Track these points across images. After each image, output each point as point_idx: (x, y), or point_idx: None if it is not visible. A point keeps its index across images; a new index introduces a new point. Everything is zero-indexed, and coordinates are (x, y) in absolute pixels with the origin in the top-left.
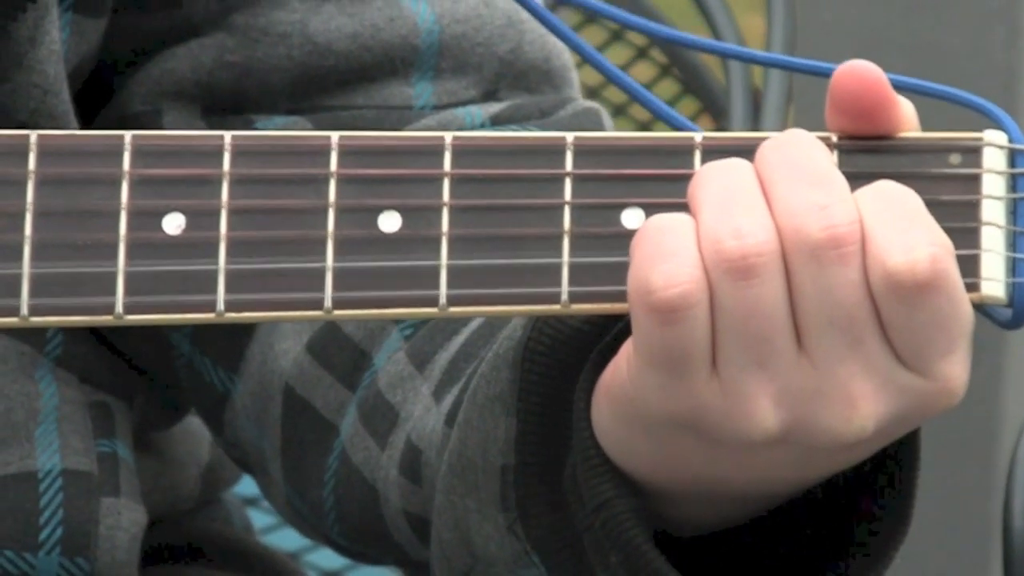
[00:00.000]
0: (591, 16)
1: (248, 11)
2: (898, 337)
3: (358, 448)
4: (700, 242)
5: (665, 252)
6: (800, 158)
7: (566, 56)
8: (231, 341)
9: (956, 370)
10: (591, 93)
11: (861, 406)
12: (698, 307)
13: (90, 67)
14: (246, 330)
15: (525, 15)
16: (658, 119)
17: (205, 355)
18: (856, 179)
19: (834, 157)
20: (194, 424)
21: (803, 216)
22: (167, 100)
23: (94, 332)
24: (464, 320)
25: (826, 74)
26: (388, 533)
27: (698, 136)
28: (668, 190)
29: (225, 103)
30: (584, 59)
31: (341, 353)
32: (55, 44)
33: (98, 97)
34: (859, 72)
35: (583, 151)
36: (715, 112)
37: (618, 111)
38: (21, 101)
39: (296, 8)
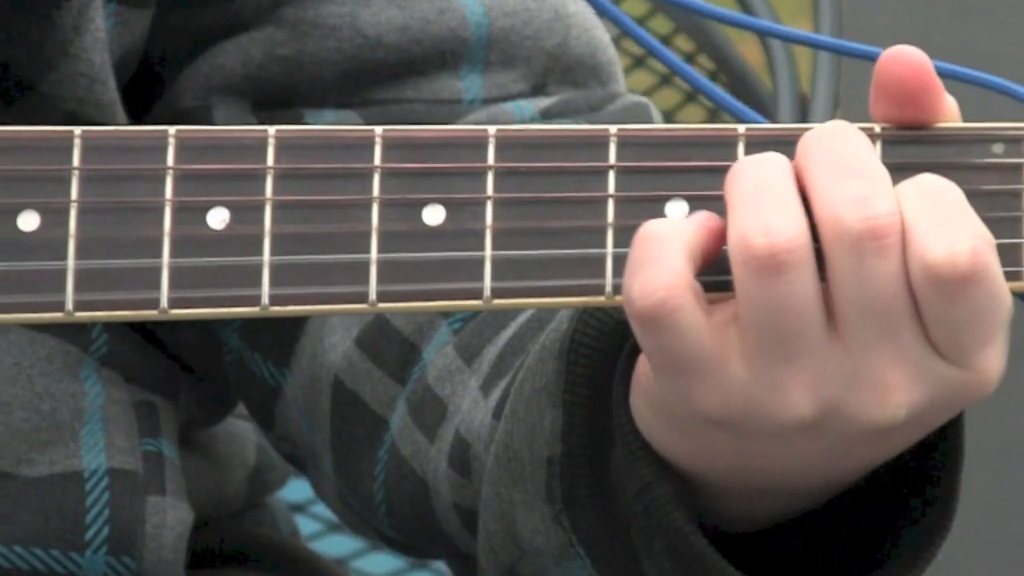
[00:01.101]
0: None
1: (298, 4)
2: (935, 328)
3: (407, 441)
4: (729, 239)
5: (645, 261)
6: (841, 149)
7: (611, 51)
8: (281, 336)
9: (992, 361)
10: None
11: (894, 394)
12: (681, 311)
13: (136, 59)
14: (296, 324)
15: (572, 9)
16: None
17: (255, 350)
18: (899, 170)
19: (877, 148)
20: (240, 427)
21: (843, 207)
22: (217, 95)
23: (139, 331)
24: (512, 314)
25: (873, 58)
26: (439, 526)
27: (741, 128)
28: (712, 182)
29: (275, 97)
30: (649, 51)
31: (390, 347)
32: (100, 32)
33: (150, 93)
34: (905, 56)
35: (627, 143)
36: (765, 117)
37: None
38: (68, 90)
39: (346, 1)
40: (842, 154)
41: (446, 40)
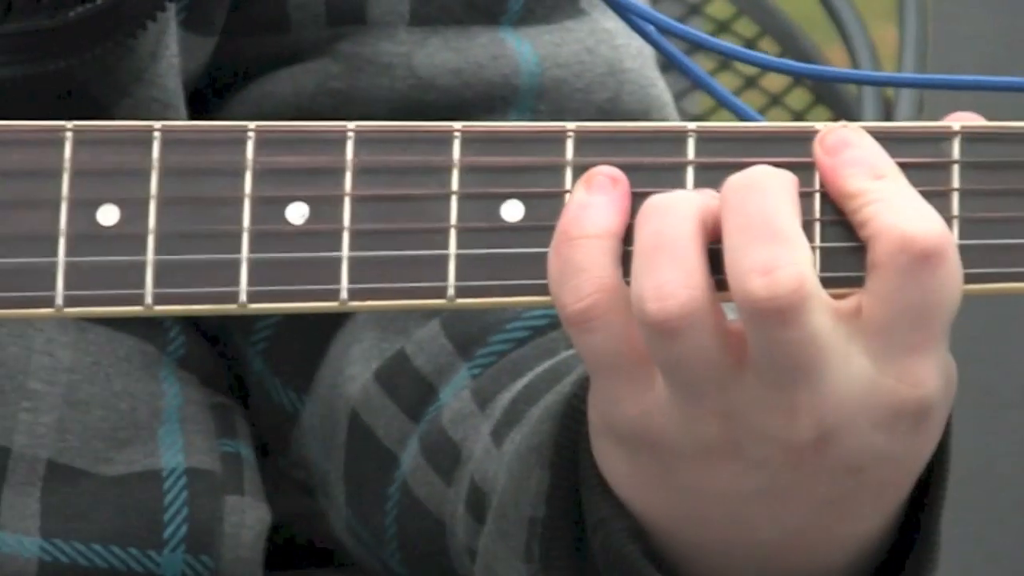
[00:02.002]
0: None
1: (356, 39)
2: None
3: (421, 482)
4: (631, 294)
5: (575, 267)
6: (755, 207)
7: (668, 110)
8: (303, 362)
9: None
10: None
11: (801, 415)
12: (609, 314)
13: (194, 87)
14: (318, 352)
15: (628, 65)
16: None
17: (276, 375)
18: (979, 168)
19: (956, 145)
20: None
21: (748, 276)
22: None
23: (206, 337)
24: (530, 363)
25: (956, 87)
26: (451, 565)
27: (819, 125)
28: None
29: None
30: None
31: (408, 384)
32: (174, 58)
33: (198, 116)
34: None
35: (706, 139)
36: (846, 118)
37: None
38: (141, 115)
39: (403, 40)
40: (753, 212)
41: (497, 86)
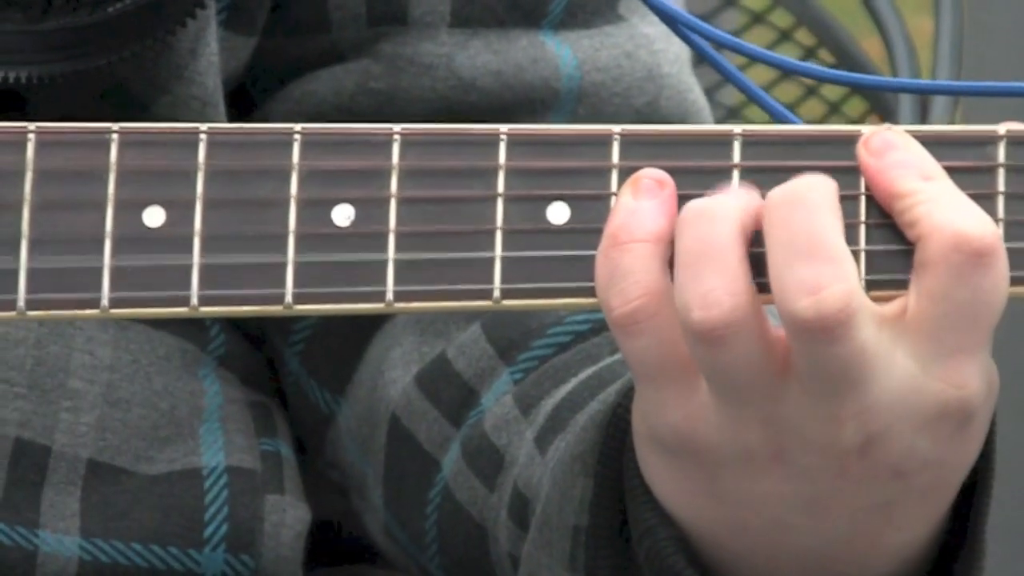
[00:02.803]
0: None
1: (397, 39)
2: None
3: (463, 487)
4: (676, 301)
5: (623, 271)
6: (799, 224)
7: (704, 115)
8: (340, 365)
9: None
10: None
11: (846, 422)
12: (656, 318)
13: (234, 86)
14: (355, 355)
15: (666, 71)
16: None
17: (312, 376)
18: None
19: (1001, 149)
20: None
21: (794, 295)
22: (305, 121)
23: (247, 336)
24: (573, 369)
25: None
26: (492, 571)
27: (864, 128)
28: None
29: None
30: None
31: (449, 388)
32: (214, 56)
33: (238, 114)
34: None
35: (752, 143)
36: (883, 112)
37: None
38: (181, 113)
39: (444, 41)
40: (798, 230)
41: (537, 89)
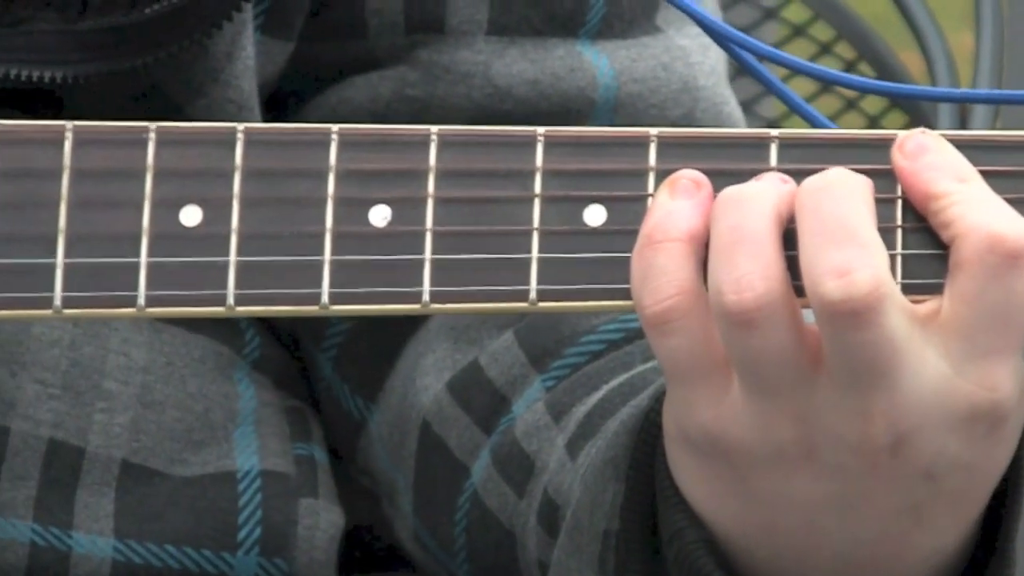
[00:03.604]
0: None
1: (434, 47)
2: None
3: (492, 493)
4: (708, 287)
5: (657, 270)
6: (830, 210)
7: (740, 127)
8: (372, 371)
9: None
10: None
11: (877, 418)
12: (688, 316)
13: (270, 91)
14: (387, 362)
15: (702, 83)
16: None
17: (344, 381)
18: None
19: None
20: None
21: (823, 279)
22: None
23: (282, 341)
24: (605, 376)
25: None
26: None
27: (901, 133)
28: (882, 184)
29: None
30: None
31: (481, 395)
32: (250, 60)
33: (272, 121)
34: None
35: (788, 145)
36: (921, 124)
37: None
38: (216, 116)
39: (482, 49)
40: (829, 215)
41: (574, 98)
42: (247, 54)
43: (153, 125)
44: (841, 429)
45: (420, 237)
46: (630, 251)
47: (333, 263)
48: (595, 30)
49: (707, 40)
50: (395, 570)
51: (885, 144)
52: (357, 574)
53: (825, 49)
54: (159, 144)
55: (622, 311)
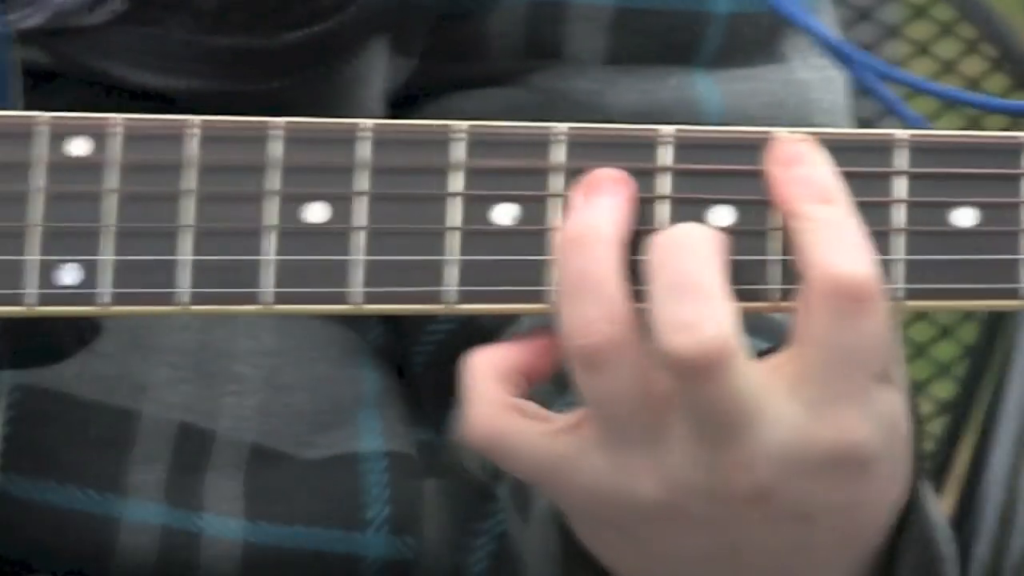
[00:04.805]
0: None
1: (551, 72)
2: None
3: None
4: (558, 331)
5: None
6: (676, 265)
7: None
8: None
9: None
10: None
11: (736, 471)
12: (517, 434)
13: (390, 100)
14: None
15: (816, 120)
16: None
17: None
18: None
19: None
20: None
21: (672, 331)
22: None
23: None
24: None
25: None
26: None
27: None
28: (1001, 189)
29: None
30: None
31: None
32: (380, 82)
33: None
34: None
35: (917, 148)
36: None
37: None
38: None
39: (596, 78)
40: (675, 271)
41: None
42: (378, 74)
43: (280, 121)
44: (703, 484)
45: (545, 235)
46: (757, 252)
47: (460, 261)
48: (711, 58)
49: (832, 72)
50: None
51: (1009, 148)
52: None
53: (946, 30)
54: (286, 140)
55: (751, 312)
